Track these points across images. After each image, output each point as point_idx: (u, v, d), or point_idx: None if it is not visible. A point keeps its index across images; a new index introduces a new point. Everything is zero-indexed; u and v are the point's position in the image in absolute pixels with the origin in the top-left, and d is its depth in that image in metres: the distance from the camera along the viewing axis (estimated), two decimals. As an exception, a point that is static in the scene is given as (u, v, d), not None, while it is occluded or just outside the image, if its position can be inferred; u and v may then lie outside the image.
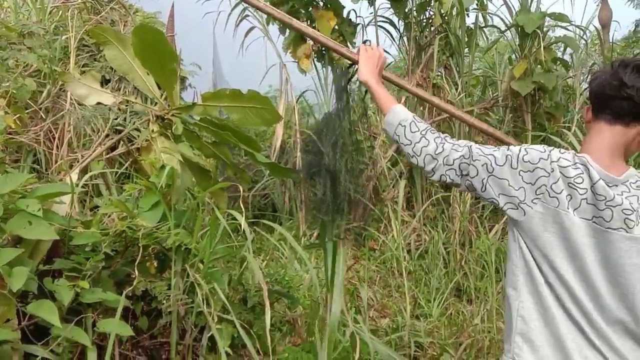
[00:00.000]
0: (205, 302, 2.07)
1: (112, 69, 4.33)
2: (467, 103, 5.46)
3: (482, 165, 1.46)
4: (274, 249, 4.80)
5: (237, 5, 5.52)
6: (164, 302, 1.96)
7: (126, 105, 3.92)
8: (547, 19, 5.47)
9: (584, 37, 6.43)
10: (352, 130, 5.59)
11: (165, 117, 2.33)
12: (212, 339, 2.12)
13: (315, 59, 5.76)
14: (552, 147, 1.44)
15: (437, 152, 1.55)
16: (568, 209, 1.37)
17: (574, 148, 3.85)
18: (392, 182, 5.82)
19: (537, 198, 1.39)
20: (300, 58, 5.65)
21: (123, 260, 2.16)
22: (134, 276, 1.96)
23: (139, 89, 2.47)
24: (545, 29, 5.66)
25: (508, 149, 1.46)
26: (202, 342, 2.13)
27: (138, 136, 3.48)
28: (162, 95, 2.51)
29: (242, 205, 2.10)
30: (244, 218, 1.98)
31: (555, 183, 1.37)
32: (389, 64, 6.71)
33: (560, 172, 1.38)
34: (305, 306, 2.70)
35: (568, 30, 6.03)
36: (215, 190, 2.33)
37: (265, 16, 5.53)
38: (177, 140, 2.32)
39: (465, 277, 4.68)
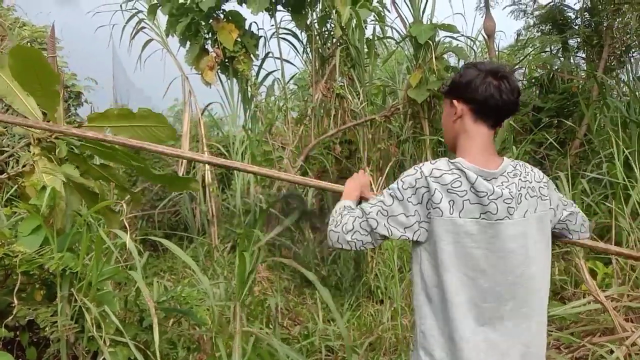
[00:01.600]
0: (96, 326, 2.01)
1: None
2: (369, 112, 5.68)
3: (377, 214, 1.54)
4: (185, 266, 4.72)
5: (131, 18, 5.38)
6: (48, 329, 1.87)
7: (5, 128, 3.69)
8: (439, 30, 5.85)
9: (474, 47, 6.93)
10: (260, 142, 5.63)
11: (48, 139, 2.24)
12: (107, 363, 2.05)
13: (219, 71, 5.76)
14: (422, 164, 1.54)
15: (336, 225, 1.62)
16: (452, 214, 1.47)
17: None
18: (303, 190, 5.92)
19: (428, 213, 1.49)
20: (203, 70, 5.63)
21: (4, 290, 2.04)
22: (14, 305, 1.86)
23: (19, 112, 2.35)
24: (438, 40, 6.04)
25: (389, 188, 1.56)
26: (94, 368, 2.05)
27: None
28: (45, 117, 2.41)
29: (126, 224, 2.06)
30: (128, 236, 1.95)
31: (433, 195, 1.47)
32: (294, 76, 6.82)
33: (435, 182, 1.48)
34: (206, 322, 2.68)
35: (459, 40, 6.47)
36: (105, 210, 2.27)
37: (163, 28, 5.44)
38: (61, 162, 2.23)
39: (376, 278, 4.85)
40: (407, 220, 1.51)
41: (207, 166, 5.36)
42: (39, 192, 2.00)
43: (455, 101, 1.61)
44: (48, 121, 2.21)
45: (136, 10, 5.66)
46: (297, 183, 2.36)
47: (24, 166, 2.11)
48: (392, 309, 3.97)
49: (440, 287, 1.51)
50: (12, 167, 4.14)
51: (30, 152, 2.29)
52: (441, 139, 5.42)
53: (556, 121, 6.23)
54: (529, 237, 1.54)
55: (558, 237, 1.78)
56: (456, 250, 1.48)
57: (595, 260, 3.96)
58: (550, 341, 3.35)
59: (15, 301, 1.85)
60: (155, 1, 5.56)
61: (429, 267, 1.53)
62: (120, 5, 5.56)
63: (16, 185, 3.23)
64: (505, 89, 1.54)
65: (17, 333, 2.08)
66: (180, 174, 5.21)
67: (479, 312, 1.50)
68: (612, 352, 2.84)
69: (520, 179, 1.55)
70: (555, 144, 5.54)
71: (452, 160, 1.53)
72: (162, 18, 5.58)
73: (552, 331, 3.43)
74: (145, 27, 5.45)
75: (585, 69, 6.40)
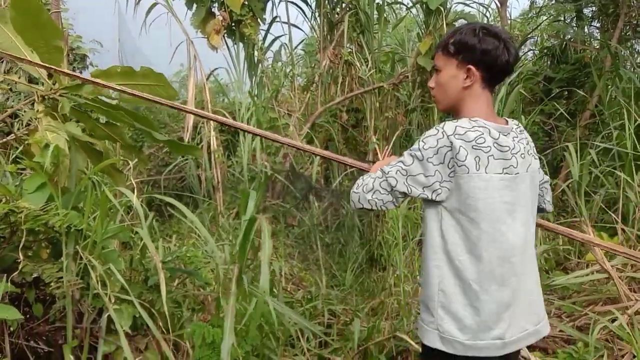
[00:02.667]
0: (101, 283, 2.03)
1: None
2: (377, 79, 5.60)
3: (396, 173, 1.56)
4: (190, 231, 4.75)
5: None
6: (54, 285, 1.89)
7: (8, 85, 3.67)
8: (450, -4, 5.70)
9: (486, 14, 6.77)
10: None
11: (52, 97, 2.22)
12: (113, 320, 2.08)
13: (225, 35, 5.67)
14: (443, 123, 1.54)
15: (357, 186, 1.64)
16: (479, 170, 1.48)
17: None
18: (308, 158, 5.90)
19: (451, 172, 1.50)
20: (210, 34, 5.53)
21: (10, 246, 2.06)
22: (19, 261, 1.88)
23: (24, 68, 2.33)
24: (449, 6, 5.90)
25: (410, 149, 1.56)
26: (99, 324, 2.08)
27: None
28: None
29: (134, 183, 2.05)
30: (135, 196, 1.94)
31: (458, 153, 1.47)
32: (302, 41, 6.71)
33: (459, 139, 1.48)
34: (210, 283, 2.70)
35: (471, 7, 6.33)
36: (110, 170, 2.27)
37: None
38: (65, 120, 2.22)
39: (379, 246, 4.87)
40: (427, 180, 1.52)
41: (212, 132, 5.33)
42: (43, 150, 1.99)
43: (473, 68, 1.58)
44: (51, 76, 2.19)
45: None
46: (303, 150, 2.33)
47: (27, 125, 2.09)
48: (395, 275, 3.99)
49: (466, 243, 1.53)
50: (19, 129, 4.14)
51: (34, 109, 2.28)
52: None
53: (567, 92, 6.13)
54: (531, 190, 1.63)
55: None
56: (485, 206, 1.50)
57: (600, 231, 3.95)
58: (552, 310, 3.38)
59: (21, 257, 1.86)
60: (162, -38, 5.44)
61: (451, 224, 1.54)
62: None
63: (22, 146, 3.23)
64: (514, 59, 1.60)
65: (23, 289, 2.11)
66: (186, 140, 5.19)
67: (508, 267, 1.53)
68: (613, 321, 2.86)
69: (524, 136, 1.65)
70: (566, 114, 5.46)
71: (472, 118, 1.54)
72: (168, -20, 5.46)
73: (554, 300, 3.45)
74: (150, -10, 5.33)
75: (599, 39, 6.25)
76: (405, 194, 1.56)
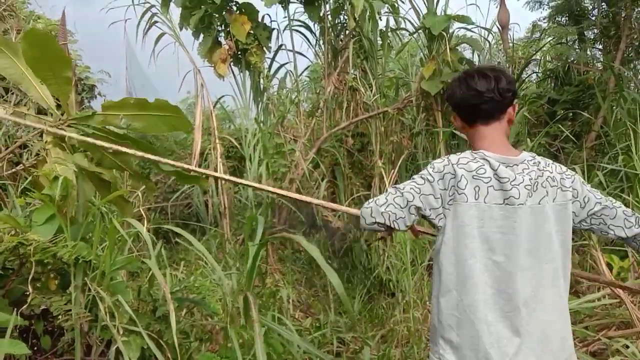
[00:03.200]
0: (109, 315, 2.02)
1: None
2: (381, 104, 5.63)
3: (411, 189, 1.59)
4: (197, 258, 4.74)
5: (145, 13, 5.38)
6: (62, 318, 1.89)
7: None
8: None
9: (488, 38, 6.84)
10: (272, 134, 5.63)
11: (60, 127, 2.25)
12: (121, 352, 2.07)
13: (231, 63, 5.75)
14: (449, 155, 1.62)
15: (369, 202, 1.64)
16: (477, 199, 1.52)
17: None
18: (315, 183, 5.90)
19: (451, 199, 1.54)
20: (216, 63, 5.62)
21: (19, 279, 2.06)
22: (28, 294, 1.88)
23: (33, 99, 2.37)
24: (452, 31, 5.97)
25: (420, 173, 1.62)
26: (108, 356, 2.07)
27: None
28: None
29: (143, 213, 2.06)
30: (145, 227, 1.95)
31: (459, 181, 1.52)
32: (307, 68, 6.79)
33: (462, 169, 1.54)
34: (218, 312, 2.68)
35: (473, 32, 6.39)
36: (118, 200, 2.28)
37: (176, 21, 5.45)
38: (74, 150, 2.24)
39: (387, 271, 4.83)
40: (435, 202, 1.57)
41: (219, 159, 5.36)
42: (52, 182, 2.01)
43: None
44: (59, 107, 2.22)
45: (149, 5, 5.66)
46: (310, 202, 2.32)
47: (36, 155, 2.11)
48: (404, 301, 3.95)
49: (460, 273, 1.53)
50: (27, 159, 4.19)
51: (42, 140, 2.31)
52: (455, 131, 5.37)
53: (571, 114, 6.14)
54: (545, 224, 1.56)
55: (597, 232, 1.75)
56: (480, 235, 1.52)
57: (611, 253, 3.90)
58: (565, 335, 3.31)
59: (30, 289, 1.87)
60: (169, -7, 5.56)
61: (447, 254, 1.56)
62: (132, 1, 5.55)
63: (30, 177, 3.26)
64: (476, 82, 1.61)
65: (32, 322, 2.11)
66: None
67: (502, 297, 1.51)
68: (627, 347, 2.81)
69: (539, 168, 1.59)
70: (571, 136, 5.46)
71: (474, 151, 1.60)
72: (175, 12, 5.59)
73: (566, 325, 3.38)
74: (157, 22, 5.44)
75: (602, 60, 6.29)
76: (418, 210, 1.58)
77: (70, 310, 1.95)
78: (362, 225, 1.66)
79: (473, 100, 1.62)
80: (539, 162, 1.61)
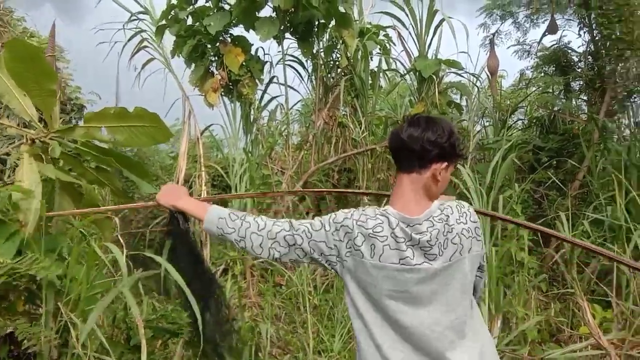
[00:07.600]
0: (81, 342, 1.91)
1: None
2: (370, 141, 5.67)
3: (303, 232, 1.59)
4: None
5: (132, 37, 5.40)
6: (26, 342, 1.78)
7: None
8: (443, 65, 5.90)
9: (477, 84, 6.99)
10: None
11: (43, 140, 2.19)
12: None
13: (222, 94, 5.76)
14: (356, 209, 1.59)
15: (260, 229, 1.63)
16: (372, 258, 1.49)
17: (466, 185, 4.09)
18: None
19: (348, 252, 1.53)
20: (207, 92, 5.62)
21: (-15, 299, 1.95)
22: (-8, 316, 1.77)
23: (15, 112, 2.30)
24: (442, 75, 6.09)
25: (322, 217, 1.61)
26: (75, 386, 1.95)
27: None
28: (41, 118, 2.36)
29: (121, 239, 1.99)
30: (123, 254, 1.87)
31: (356, 237, 1.51)
32: (298, 102, 6.83)
33: (359, 226, 1.51)
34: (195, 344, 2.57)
35: (463, 77, 6.52)
36: (98, 217, 2.20)
37: (166, 48, 5.46)
38: (55, 164, 2.17)
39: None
40: (327, 249, 1.56)
41: (204, 186, 5.29)
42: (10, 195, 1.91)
43: None
44: (42, 119, 2.16)
45: (139, 30, 5.67)
46: None
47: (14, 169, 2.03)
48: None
49: (363, 322, 1.55)
50: (9, 176, 4.08)
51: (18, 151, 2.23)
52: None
53: (555, 162, 6.23)
54: (454, 280, 1.52)
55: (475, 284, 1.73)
56: (375, 294, 1.51)
57: (593, 302, 3.88)
58: (547, 385, 3.25)
59: (-5, 311, 1.76)
60: (164, 22, 5.59)
61: (355, 298, 1.56)
62: (123, 25, 5.57)
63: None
64: (406, 128, 1.56)
65: (-4, 345, 1.99)
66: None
67: (399, 352, 1.50)
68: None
69: (446, 224, 1.52)
70: (559, 182, 5.52)
71: (380, 208, 1.58)
72: (166, 38, 5.60)
73: (549, 375, 3.32)
74: (147, 47, 5.45)
75: (587, 111, 6.44)
76: (304, 251, 1.58)
77: (35, 333, 1.84)
78: (233, 239, 1.64)
79: (396, 144, 1.58)
80: (448, 217, 1.53)
